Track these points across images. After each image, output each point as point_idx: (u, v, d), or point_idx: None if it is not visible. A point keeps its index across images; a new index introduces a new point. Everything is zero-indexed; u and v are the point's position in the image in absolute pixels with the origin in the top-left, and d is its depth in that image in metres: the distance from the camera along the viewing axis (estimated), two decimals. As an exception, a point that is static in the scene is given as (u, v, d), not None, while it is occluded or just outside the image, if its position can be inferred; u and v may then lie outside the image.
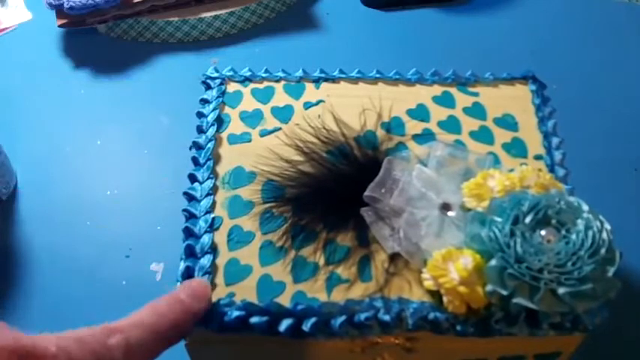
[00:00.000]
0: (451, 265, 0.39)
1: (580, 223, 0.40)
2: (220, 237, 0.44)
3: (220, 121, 0.51)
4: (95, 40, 0.76)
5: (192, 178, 0.47)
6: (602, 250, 0.38)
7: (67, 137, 0.67)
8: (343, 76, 0.54)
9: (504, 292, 0.38)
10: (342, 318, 0.40)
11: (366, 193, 0.44)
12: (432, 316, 0.39)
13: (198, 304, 0.39)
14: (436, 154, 0.46)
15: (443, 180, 0.44)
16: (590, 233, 0.39)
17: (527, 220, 0.40)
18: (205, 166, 0.48)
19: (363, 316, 0.40)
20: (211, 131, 0.50)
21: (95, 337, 0.33)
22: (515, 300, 0.37)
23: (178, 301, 0.39)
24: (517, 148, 0.49)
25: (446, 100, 0.52)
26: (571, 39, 0.76)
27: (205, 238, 0.44)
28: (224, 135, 0.50)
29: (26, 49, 0.76)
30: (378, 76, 0.54)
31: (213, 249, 0.43)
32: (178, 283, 0.42)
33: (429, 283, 0.40)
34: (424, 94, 0.53)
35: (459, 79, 0.54)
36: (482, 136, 0.50)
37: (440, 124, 0.50)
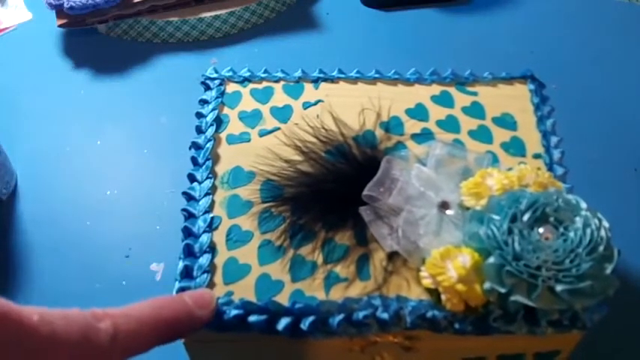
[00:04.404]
0: (449, 264, 0.39)
1: (578, 221, 0.40)
2: (219, 236, 0.44)
3: (219, 122, 0.51)
4: (95, 40, 0.76)
5: (191, 178, 0.48)
6: (600, 248, 0.38)
7: (67, 137, 0.67)
8: (342, 76, 0.54)
9: (502, 290, 0.38)
10: (341, 316, 0.40)
11: (365, 192, 0.44)
12: (430, 314, 0.40)
13: (201, 311, 0.39)
14: (435, 153, 0.46)
15: (441, 179, 0.44)
16: (588, 231, 0.39)
17: (525, 217, 0.40)
18: (204, 166, 0.48)
19: (361, 315, 0.40)
20: (210, 131, 0.50)
21: (84, 317, 0.33)
22: (513, 297, 0.37)
23: (180, 302, 0.38)
24: (516, 147, 0.49)
25: (445, 100, 0.52)
26: (571, 39, 0.76)
27: (204, 238, 0.44)
28: (223, 135, 0.50)
29: (26, 49, 0.76)
30: (376, 76, 0.54)
31: (212, 248, 0.43)
32: (177, 282, 0.42)
33: (427, 282, 0.40)
34: (423, 93, 0.53)
35: (458, 78, 0.54)
36: (481, 135, 0.50)
37: (439, 123, 0.51)
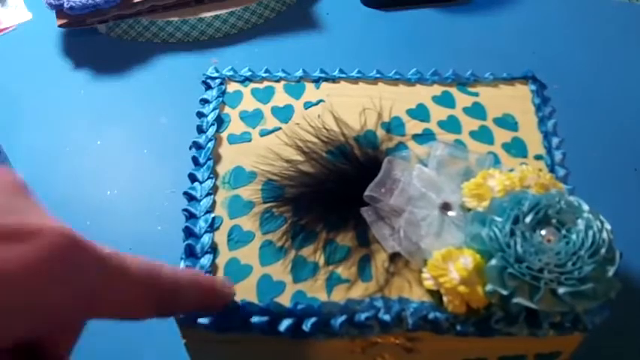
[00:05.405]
0: (451, 265, 0.39)
1: (580, 223, 0.39)
2: (220, 237, 0.44)
3: (220, 121, 0.51)
4: (95, 40, 0.76)
5: (192, 178, 0.47)
6: (603, 250, 0.38)
7: (67, 137, 0.67)
8: (343, 75, 0.54)
9: (504, 292, 0.37)
10: (343, 318, 0.39)
11: (366, 192, 0.44)
12: (432, 315, 0.39)
13: (226, 289, 0.40)
14: (436, 153, 0.46)
15: (443, 180, 0.44)
16: (590, 233, 0.39)
17: (528, 219, 0.39)
18: (205, 166, 0.48)
19: (363, 316, 0.40)
20: (211, 131, 0.50)
21: (151, 262, 0.34)
22: (515, 300, 0.37)
23: (208, 275, 0.40)
24: (517, 148, 0.49)
25: (446, 100, 0.52)
26: (572, 39, 0.76)
27: (205, 238, 0.44)
28: (224, 135, 0.50)
29: (26, 49, 0.76)
30: (378, 76, 0.54)
31: (213, 249, 0.43)
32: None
33: (429, 283, 0.40)
34: (424, 94, 0.53)
35: (459, 79, 0.54)
36: (483, 135, 0.50)
37: (440, 123, 0.50)
